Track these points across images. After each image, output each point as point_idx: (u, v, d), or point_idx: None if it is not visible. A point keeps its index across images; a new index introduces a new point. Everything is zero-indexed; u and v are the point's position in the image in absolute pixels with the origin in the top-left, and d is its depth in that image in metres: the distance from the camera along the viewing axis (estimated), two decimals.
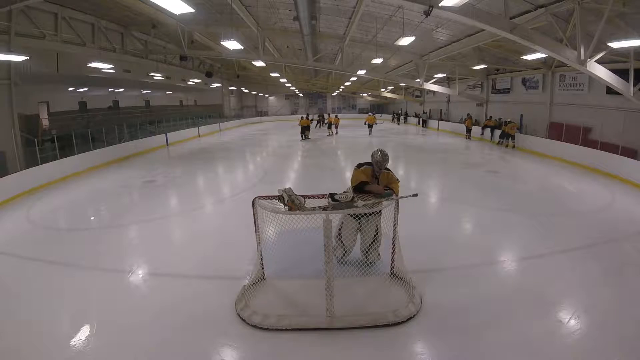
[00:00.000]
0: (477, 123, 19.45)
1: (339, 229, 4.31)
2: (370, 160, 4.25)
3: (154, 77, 19.04)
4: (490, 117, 18.34)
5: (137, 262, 4.97)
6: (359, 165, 4.28)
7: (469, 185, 9.11)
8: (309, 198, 3.97)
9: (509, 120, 15.66)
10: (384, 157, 4.15)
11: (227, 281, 4.26)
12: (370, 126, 22.89)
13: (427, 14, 7.38)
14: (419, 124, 27.68)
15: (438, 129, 24.74)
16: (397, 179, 4.30)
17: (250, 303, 3.71)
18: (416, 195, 4.07)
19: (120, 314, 3.71)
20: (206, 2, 11.42)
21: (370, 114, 27.07)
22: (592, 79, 11.36)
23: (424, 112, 28.30)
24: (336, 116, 24.01)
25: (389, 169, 4.29)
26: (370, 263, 4.33)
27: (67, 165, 10.81)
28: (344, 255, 4.43)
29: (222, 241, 5.58)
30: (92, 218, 7.30)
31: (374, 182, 4.16)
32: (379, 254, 4.39)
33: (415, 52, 16.43)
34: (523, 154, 13.73)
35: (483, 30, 10.73)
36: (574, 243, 5.23)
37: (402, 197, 4.08)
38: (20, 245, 5.68)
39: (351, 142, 18.71)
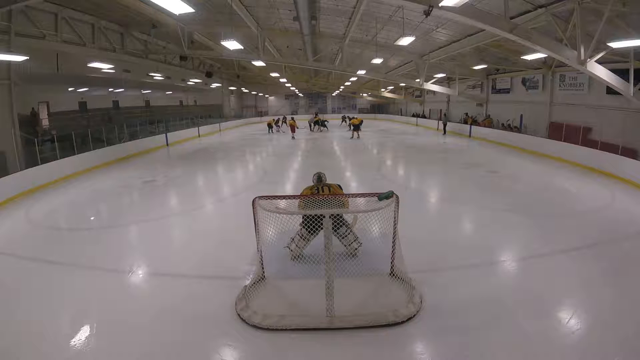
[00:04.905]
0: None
1: (297, 234, 4.63)
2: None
3: (154, 77, 19.05)
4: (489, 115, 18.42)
5: (137, 262, 4.97)
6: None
7: (469, 184, 9.12)
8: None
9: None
10: (319, 177, 4.96)
11: (227, 281, 4.26)
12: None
13: (427, 14, 7.38)
14: (439, 128, 21.61)
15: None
16: (339, 185, 4.99)
17: (251, 303, 3.71)
18: (392, 192, 3.98)
19: (120, 314, 3.71)
20: (206, 2, 11.41)
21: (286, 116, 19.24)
22: (592, 79, 11.36)
23: (444, 115, 22.94)
24: (292, 118, 23.02)
25: (330, 184, 4.93)
26: (354, 253, 4.66)
27: (67, 165, 10.81)
28: (293, 257, 4.71)
29: (222, 241, 5.58)
30: (92, 218, 7.29)
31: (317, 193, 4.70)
32: (359, 243, 4.70)
33: (415, 52, 16.43)
34: (523, 153, 13.73)
35: (483, 30, 10.73)
36: (574, 243, 5.23)
37: (379, 196, 4.03)
38: (20, 245, 5.69)
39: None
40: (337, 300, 3.44)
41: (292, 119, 22.75)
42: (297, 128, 21.70)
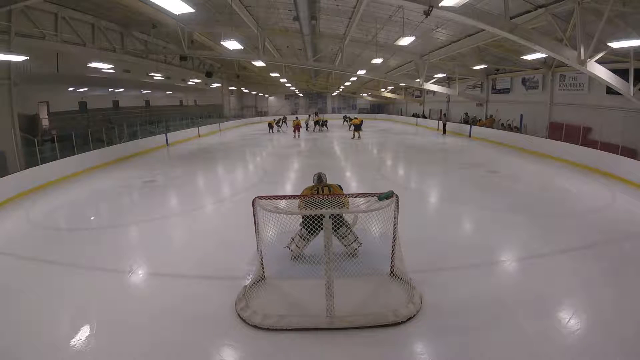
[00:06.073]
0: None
1: (297, 235, 4.60)
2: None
3: (154, 77, 19.04)
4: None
5: (137, 262, 4.97)
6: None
7: (469, 184, 9.11)
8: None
9: None
10: (320, 178, 4.86)
11: (227, 281, 4.26)
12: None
13: (427, 14, 7.39)
14: (439, 128, 21.79)
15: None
16: (339, 185, 4.97)
17: (251, 303, 3.71)
18: (392, 192, 4.00)
19: (120, 314, 3.71)
20: (206, 2, 11.42)
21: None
22: (592, 79, 11.35)
23: (444, 115, 23.12)
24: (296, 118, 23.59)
25: (330, 184, 4.88)
26: (354, 253, 4.63)
27: (67, 165, 10.81)
28: (293, 257, 4.66)
29: (222, 241, 5.58)
30: (92, 218, 7.29)
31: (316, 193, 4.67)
32: (359, 243, 4.68)
33: (415, 52, 16.44)
34: (523, 153, 13.73)
35: (483, 30, 10.73)
36: (574, 243, 5.23)
37: (379, 196, 4.04)
38: (20, 245, 5.68)
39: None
40: (337, 300, 3.44)
41: (297, 118, 22.85)
42: (302, 128, 21.91)
